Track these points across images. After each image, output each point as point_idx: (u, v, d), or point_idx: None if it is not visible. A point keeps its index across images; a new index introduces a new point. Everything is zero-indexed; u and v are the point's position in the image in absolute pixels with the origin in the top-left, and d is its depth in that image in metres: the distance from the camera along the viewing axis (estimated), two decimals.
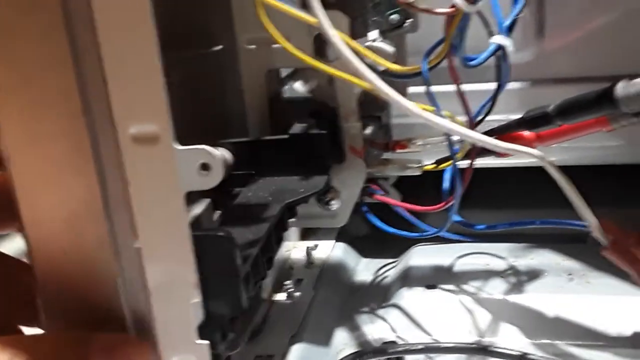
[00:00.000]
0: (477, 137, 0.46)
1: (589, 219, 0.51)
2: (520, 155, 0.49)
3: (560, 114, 0.52)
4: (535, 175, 0.56)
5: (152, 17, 0.39)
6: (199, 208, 0.56)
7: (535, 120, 0.54)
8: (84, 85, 0.39)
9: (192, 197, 0.50)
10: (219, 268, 0.46)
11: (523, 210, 0.75)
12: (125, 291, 0.43)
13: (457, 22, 0.47)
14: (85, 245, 0.43)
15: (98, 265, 0.42)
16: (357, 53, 0.48)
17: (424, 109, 0.50)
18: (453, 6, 0.47)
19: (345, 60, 0.41)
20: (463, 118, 0.57)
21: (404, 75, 0.50)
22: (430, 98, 0.51)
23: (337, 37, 0.41)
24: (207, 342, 0.44)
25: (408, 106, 0.42)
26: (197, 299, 0.44)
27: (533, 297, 0.63)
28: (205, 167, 0.43)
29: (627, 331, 0.59)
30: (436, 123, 0.43)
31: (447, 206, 0.58)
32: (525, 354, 0.54)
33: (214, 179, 0.44)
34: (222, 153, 0.58)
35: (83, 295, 0.43)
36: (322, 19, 0.40)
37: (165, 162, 0.41)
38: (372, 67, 0.50)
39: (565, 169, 0.70)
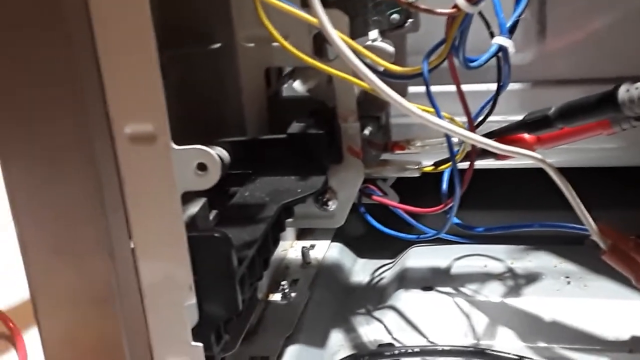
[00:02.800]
0: (478, 139, 0.45)
1: (589, 223, 0.51)
2: (521, 157, 0.49)
3: (561, 117, 0.51)
4: (534, 177, 0.56)
5: (150, 16, 0.39)
6: (194, 208, 0.55)
7: (536, 123, 0.53)
8: (80, 84, 0.39)
9: (187, 197, 0.50)
10: (214, 269, 0.45)
11: (522, 211, 0.74)
12: (119, 292, 0.43)
13: (458, 23, 0.47)
14: (80, 245, 0.42)
15: (92, 265, 0.42)
16: (356, 53, 0.48)
17: (424, 109, 0.50)
18: (455, 7, 0.46)
19: (346, 60, 0.41)
20: (462, 119, 0.57)
21: (403, 76, 0.49)
22: (430, 99, 0.50)
23: (337, 37, 0.40)
24: (201, 344, 0.44)
25: (408, 107, 0.42)
26: (192, 300, 0.43)
27: (530, 300, 0.63)
28: (202, 167, 0.43)
29: (625, 335, 0.59)
30: (436, 124, 0.43)
31: (445, 208, 0.57)
32: (522, 357, 0.54)
33: (211, 179, 0.43)
34: (219, 153, 0.58)
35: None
36: (322, 18, 0.40)
37: (161, 162, 0.41)
38: (372, 67, 0.50)
39: (565, 171, 0.70)
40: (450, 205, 0.57)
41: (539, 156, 0.48)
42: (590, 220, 0.51)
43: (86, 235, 0.42)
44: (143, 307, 0.43)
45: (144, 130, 0.40)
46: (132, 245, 0.42)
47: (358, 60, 0.40)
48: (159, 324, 0.43)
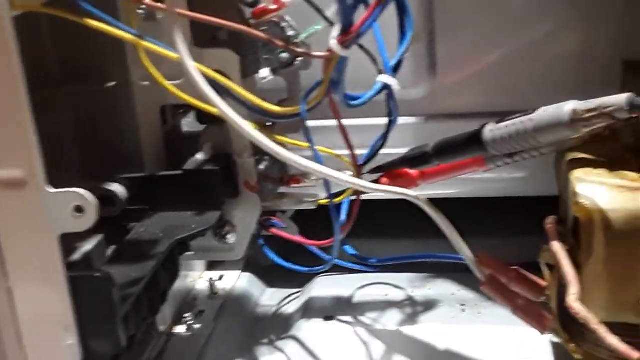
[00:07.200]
0: (346, 179, 0.47)
1: (465, 254, 0.53)
2: (398, 195, 0.50)
3: (436, 154, 0.53)
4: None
5: (18, 57, 0.39)
6: (90, 244, 0.56)
7: (415, 159, 0.55)
8: None
9: (85, 233, 0.51)
10: (96, 308, 0.46)
11: (422, 239, 0.76)
12: None
13: (333, 65, 0.48)
14: None
15: None
16: (236, 93, 0.50)
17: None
18: (329, 50, 0.48)
19: (210, 101, 0.42)
20: (362, 151, 0.59)
21: (282, 116, 0.51)
22: (308, 139, 0.52)
23: (201, 78, 0.42)
24: None
25: (273, 148, 0.43)
26: (71, 340, 0.44)
27: (426, 328, 0.65)
28: (79, 209, 0.43)
29: None
30: (302, 166, 0.45)
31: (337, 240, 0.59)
32: None
33: (88, 221, 0.44)
34: (115, 189, 0.58)
35: None
36: (184, 56, 0.41)
37: (34, 206, 0.42)
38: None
39: (467, 200, 0.72)
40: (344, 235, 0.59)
41: (412, 194, 0.50)
42: (467, 251, 0.53)
43: None
44: (22, 348, 0.44)
45: (13, 175, 0.41)
46: (8, 286, 0.43)
47: (222, 101, 0.42)
48: None
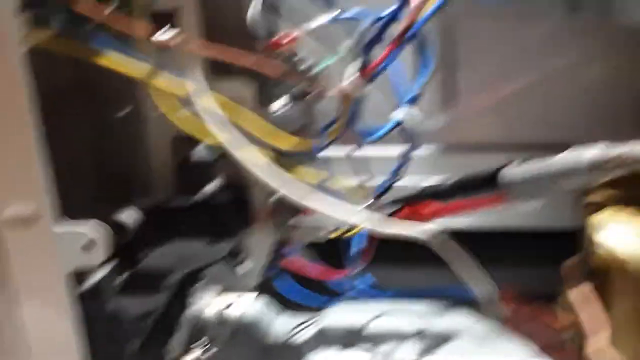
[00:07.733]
0: (357, 221, 0.46)
1: (483, 297, 0.51)
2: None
3: (455, 191, 0.52)
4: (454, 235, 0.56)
5: (27, 86, 0.38)
6: (100, 273, 0.55)
7: (432, 196, 0.54)
8: None
9: None
10: (107, 346, 0.46)
11: (440, 266, 0.75)
12: None
13: (349, 103, 0.48)
14: None
15: None
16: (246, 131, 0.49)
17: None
18: (343, 90, 0.47)
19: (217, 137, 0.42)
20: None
21: (293, 154, 0.50)
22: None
23: (209, 116, 0.41)
24: None
25: (283, 190, 0.43)
26: None
27: None
28: (89, 245, 0.43)
29: None
30: (310, 206, 0.44)
31: (350, 274, 0.58)
32: None
33: (99, 256, 0.44)
34: (126, 218, 0.58)
35: None
36: (194, 93, 0.41)
37: (43, 244, 0.41)
38: None
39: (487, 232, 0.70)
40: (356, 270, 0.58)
41: (426, 237, 0.49)
42: (484, 292, 0.51)
43: None
44: None
45: (23, 213, 0.40)
46: (18, 323, 0.43)
47: (232, 141, 0.41)
48: None
